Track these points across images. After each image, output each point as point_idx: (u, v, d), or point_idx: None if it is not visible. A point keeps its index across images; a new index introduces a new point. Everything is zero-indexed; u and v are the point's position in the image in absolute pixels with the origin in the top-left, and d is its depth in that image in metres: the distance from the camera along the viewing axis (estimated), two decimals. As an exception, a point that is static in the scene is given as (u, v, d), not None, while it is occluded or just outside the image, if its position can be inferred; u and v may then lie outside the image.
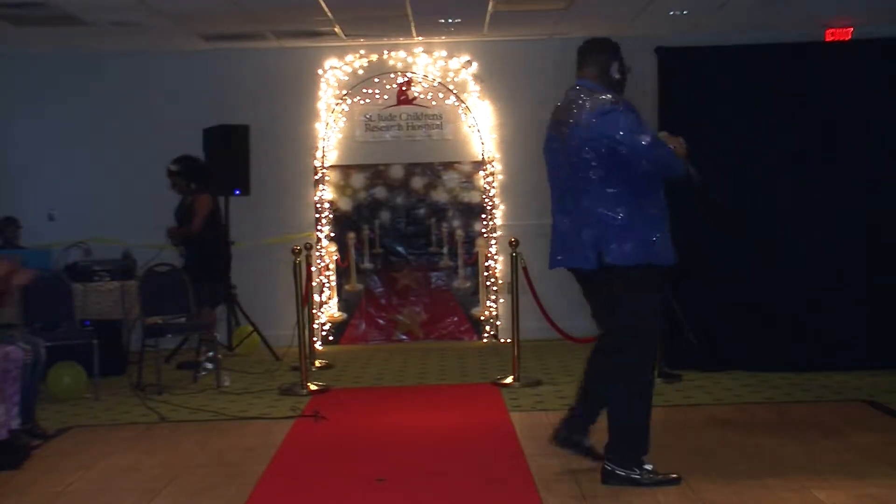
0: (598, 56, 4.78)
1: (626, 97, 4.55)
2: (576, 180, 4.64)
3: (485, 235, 9.46)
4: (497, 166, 9.44)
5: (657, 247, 4.62)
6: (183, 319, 7.80)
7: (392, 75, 9.47)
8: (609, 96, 4.61)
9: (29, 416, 5.93)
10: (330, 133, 9.48)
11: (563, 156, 4.71)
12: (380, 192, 9.50)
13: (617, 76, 4.76)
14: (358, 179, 9.51)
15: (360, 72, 9.44)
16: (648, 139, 4.54)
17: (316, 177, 9.45)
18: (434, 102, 9.46)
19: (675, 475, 4.71)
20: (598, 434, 4.86)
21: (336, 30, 8.72)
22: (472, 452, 5.34)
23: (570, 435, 4.86)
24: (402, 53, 9.42)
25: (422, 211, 9.49)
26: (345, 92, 9.44)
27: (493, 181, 9.45)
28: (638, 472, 4.64)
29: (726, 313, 7.66)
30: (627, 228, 4.56)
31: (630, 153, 4.53)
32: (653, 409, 6.34)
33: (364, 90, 9.41)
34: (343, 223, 9.48)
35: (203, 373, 7.84)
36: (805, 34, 8.50)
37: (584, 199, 4.61)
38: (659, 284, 4.81)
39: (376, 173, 9.50)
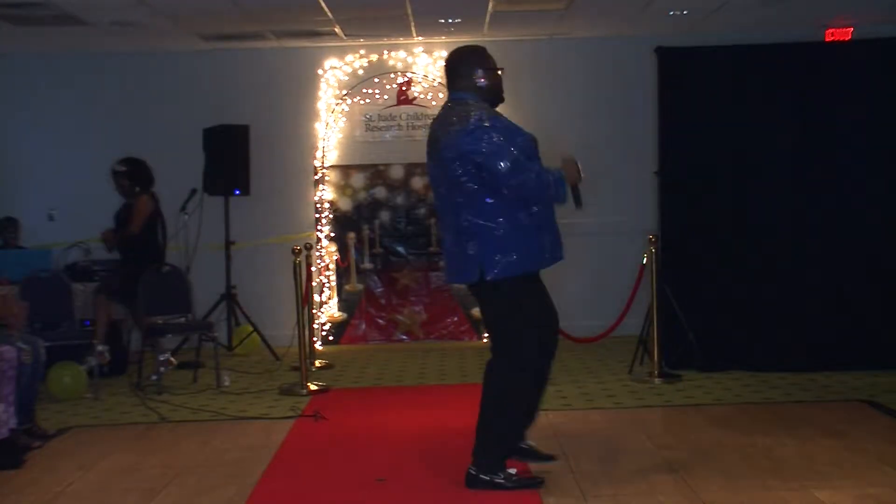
0: (462, 68, 4.72)
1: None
2: (454, 195, 4.62)
3: (485, 235, 9.45)
4: (497, 166, 9.43)
5: (544, 252, 4.65)
6: (183, 319, 7.81)
7: (392, 75, 9.47)
8: (477, 113, 4.54)
9: (29, 416, 5.94)
10: (330, 133, 9.47)
11: (439, 172, 4.68)
12: (380, 192, 9.49)
13: (483, 82, 4.69)
14: (358, 179, 9.51)
15: (360, 72, 9.44)
16: (508, 164, 4.45)
17: (316, 177, 9.45)
18: (434, 102, 9.44)
19: (538, 478, 4.74)
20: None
21: (336, 30, 8.72)
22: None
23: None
24: (402, 53, 9.42)
25: (422, 211, 9.48)
26: (345, 92, 9.43)
27: (493, 181, 9.44)
28: (502, 476, 4.65)
29: (726, 313, 7.66)
30: (510, 238, 4.54)
31: (490, 176, 4.50)
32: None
33: (364, 90, 9.41)
34: (343, 223, 9.48)
35: (88, 366, 7.44)
36: (805, 34, 8.50)
37: (464, 213, 4.59)
38: (540, 287, 4.84)
39: (376, 173, 9.50)
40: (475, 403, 6.70)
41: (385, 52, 9.38)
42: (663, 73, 7.89)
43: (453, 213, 4.65)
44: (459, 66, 4.74)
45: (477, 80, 4.69)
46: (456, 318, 9.48)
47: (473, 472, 4.68)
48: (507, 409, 4.72)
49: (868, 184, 7.65)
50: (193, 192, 8.71)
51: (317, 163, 9.44)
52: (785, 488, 4.61)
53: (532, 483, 4.72)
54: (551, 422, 6.15)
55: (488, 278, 4.56)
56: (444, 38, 9.24)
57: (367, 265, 9.50)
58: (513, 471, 4.71)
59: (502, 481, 4.65)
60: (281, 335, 8.79)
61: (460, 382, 7.56)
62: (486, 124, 4.51)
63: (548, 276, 9.31)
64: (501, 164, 4.45)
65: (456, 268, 4.70)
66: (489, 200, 4.53)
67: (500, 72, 4.79)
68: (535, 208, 4.59)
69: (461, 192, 4.58)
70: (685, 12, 8.29)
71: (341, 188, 9.51)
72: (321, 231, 9.43)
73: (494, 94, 4.74)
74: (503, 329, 4.72)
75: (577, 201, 4.79)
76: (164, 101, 9.47)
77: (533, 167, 4.52)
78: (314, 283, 8.88)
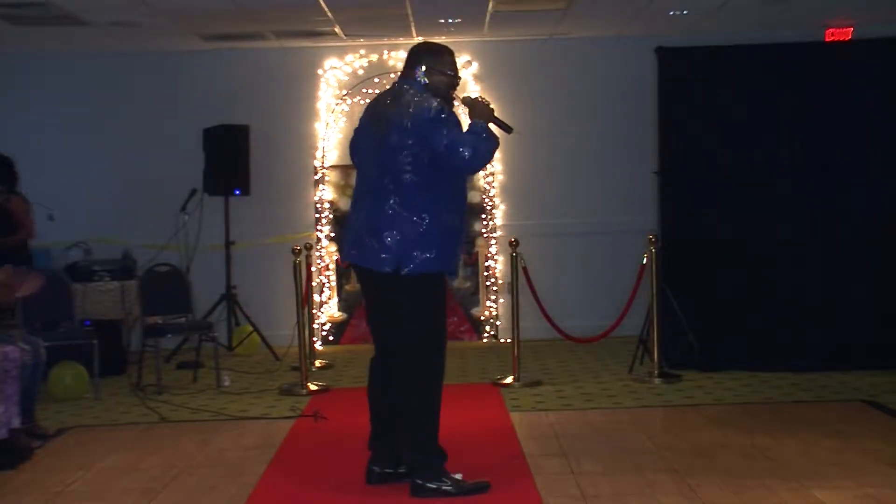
0: (413, 59, 4.71)
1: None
2: (385, 180, 4.53)
3: (485, 235, 9.46)
4: (497, 166, 9.44)
5: (453, 257, 4.62)
6: (183, 319, 7.81)
7: (392, 75, 9.45)
8: (435, 102, 4.51)
9: (29, 416, 5.94)
10: (330, 133, 9.48)
11: (376, 152, 4.60)
12: (380, 192, 9.48)
13: (423, 80, 4.65)
14: (358, 179, 9.49)
15: (360, 72, 9.43)
16: (469, 152, 4.42)
17: (316, 177, 9.45)
18: (452, 97, 9.42)
19: (484, 481, 4.69)
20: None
21: (336, 30, 8.72)
22: (472, 452, 5.34)
23: (384, 468, 4.82)
24: (402, 53, 9.40)
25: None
26: (345, 92, 9.43)
27: (493, 181, 9.45)
28: (448, 482, 4.59)
29: (726, 313, 7.66)
30: (430, 236, 4.50)
31: (452, 168, 4.48)
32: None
33: (364, 90, 9.40)
34: (343, 223, 9.47)
35: None
36: (805, 34, 8.50)
37: (391, 200, 4.51)
38: (444, 291, 4.79)
39: (376, 173, 9.48)
40: (475, 403, 6.73)
41: (385, 52, 9.38)
42: (663, 73, 7.89)
43: (378, 196, 4.55)
44: (412, 57, 4.74)
45: (416, 75, 4.67)
46: (456, 318, 9.48)
47: (420, 483, 4.59)
48: (432, 414, 4.65)
49: (868, 184, 7.65)
50: (193, 192, 8.71)
51: (317, 163, 9.44)
52: (785, 488, 4.61)
53: (478, 488, 4.65)
54: (551, 422, 6.15)
55: (404, 272, 4.49)
56: (444, 38, 9.22)
57: (367, 265, 9.48)
58: (458, 476, 4.65)
59: (449, 488, 4.58)
60: (281, 335, 8.79)
61: (460, 382, 7.54)
62: (445, 116, 4.49)
63: (550, 276, 9.37)
64: (465, 152, 4.43)
65: (368, 254, 4.57)
66: (421, 195, 4.49)
67: (454, 78, 4.75)
68: (456, 215, 4.60)
69: (395, 180, 4.50)
70: (685, 12, 8.29)
71: (341, 188, 9.51)
72: (321, 231, 9.43)
73: (443, 95, 4.68)
74: (406, 330, 4.60)
75: (506, 129, 4.81)
76: (164, 101, 9.46)
77: (477, 142, 4.49)
78: (314, 283, 8.88)
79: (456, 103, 4.80)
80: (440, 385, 4.71)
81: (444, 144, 4.43)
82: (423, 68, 4.67)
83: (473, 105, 4.72)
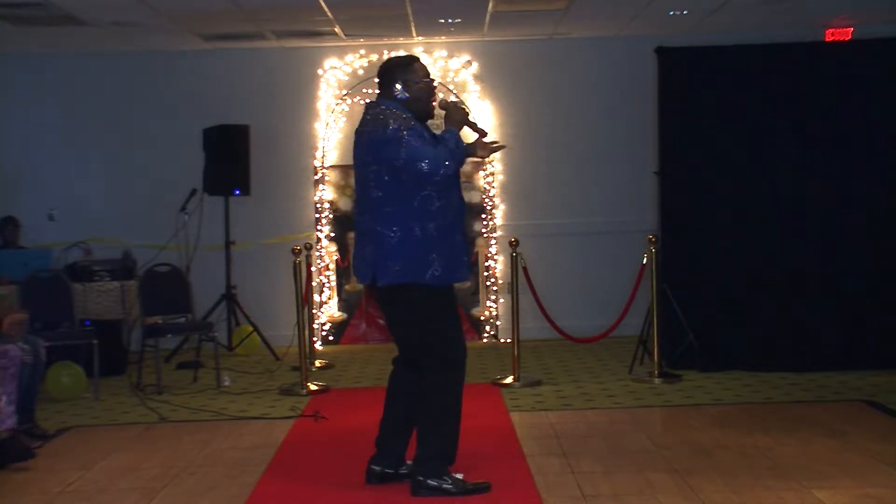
0: (386, 79, 4.76)
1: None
2: (362, 195, 4.69)
3: (485, 235, 9.46)
4: (497, 166, 9.44)
5: (434, 265, 4.58)
6: (183, 319, 7.81)
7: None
8: (395, 122, 4.54)
9: (29, 416, 5.94)
10: (330, 133, 9.48)
11: (355, 173, 4.75)
12: (380, 192, 9.47)
13: (404, 95, 4.71)
14: (358, 179, 9.49)
15: (360, 72, 9.43)
16: (427, 164, 4.47)
17: (316, 177, 9.45)
18: (434, 102, 9.42)
19: (484, 482, 4.71)
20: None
21: (336, 30, 8.72)
22: (472, 452, 5.34)
23: (384, 468, 4.85)
24: (401, 53, 9.40)
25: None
26: (345, 92, 9.43)
27: (493, 181, 9.45)
28: (449, 481, 4.62)
29: (726, 313, 7.66)
30: (401, 248, 4.55)
31: (415, 178, 4.52)
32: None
33: (364, 90, 9.40)
34: (343, 223, 9.48)
35: None
36: (805, 34, 8.50)
37: (366, 217, 4.65)
38: (445, 300, 4.76)
39: (376, 173, 9.47)
40: (475, 403, 6.72)
41: (385, 52, 9.35)
42: (663, 73, 7.89)
43: (360, 211, 4.73)
44: (384, 76, 4.79)
45: (395, 93, 4.72)
46: (456, 318, 9.47)
47: (421, 479, 4.62)
48: (450, 414, 4.71)
49: (868, 183, 7.65)
50: (193, 192, 8.71)
51: (317, 163, 9.44)
52: (785, 488, 4.61)
53: (479, 488, 4.67)
54: (551, 422, 6.15)
55: (380, 285, 4.61)
56: (444, 38, 9.24)
57: (367, 265, 9.48)
58: (459, 475, 4.68)
59: (450, 486, 4.61)
60: (281, 335, 8.79)
61: (460, 382, 7.55)
62: (404, 133, 4.52)
63: (550, 276, 9.39)
64: (422, 165, 4.49)
65: (355, 266, 4.81)
66: (388, 209, 4.57)
67: (430, 83, 4.80)
68: (431, 224, 4.59)
69: (366, 195, 4.64)
70: (685, 12, 8.29)
71: (341, 188, 9.51)
72: (321, 231, 9.43)
73: (419, 107, 4.74)
74: (411, 337, 4.74)
75: (479, 132, 4.87)
76: (164, 101, 9.47)
77: (438, 153, 4.54)
78: (314, 283, 8.88)
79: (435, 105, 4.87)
80: (458, 388, 4.77)
81: (401, 159, 4.50)
82: (399, 85, 4.73)
83: (448, 109, 4.82)
